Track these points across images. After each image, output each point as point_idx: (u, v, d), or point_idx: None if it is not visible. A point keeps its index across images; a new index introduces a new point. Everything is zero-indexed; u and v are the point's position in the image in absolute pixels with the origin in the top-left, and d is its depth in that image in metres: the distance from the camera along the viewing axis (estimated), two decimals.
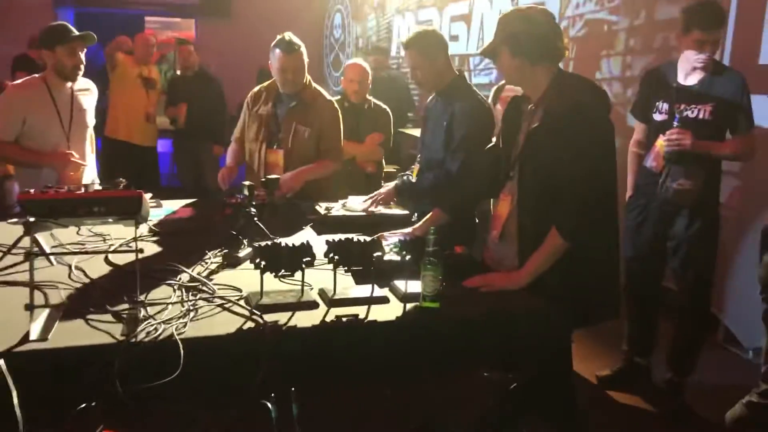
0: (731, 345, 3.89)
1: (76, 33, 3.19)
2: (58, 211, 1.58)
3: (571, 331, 2.05)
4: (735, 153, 3.03)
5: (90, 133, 3.47)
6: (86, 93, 3.41)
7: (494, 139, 2.52)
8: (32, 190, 1.68)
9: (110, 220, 1.72)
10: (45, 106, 3.17)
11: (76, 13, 11.58)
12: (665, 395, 3.30)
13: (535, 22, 2.16)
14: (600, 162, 2.10)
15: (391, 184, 3.16)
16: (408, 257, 2.01)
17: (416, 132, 6.53)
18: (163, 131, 6.62)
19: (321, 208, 3.00)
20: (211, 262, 2.28)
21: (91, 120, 3.44)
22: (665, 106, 3.09)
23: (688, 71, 3.05)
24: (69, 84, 3.26)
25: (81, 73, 3.24)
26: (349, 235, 2.07)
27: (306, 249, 1.96)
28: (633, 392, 3.41)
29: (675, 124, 2.97)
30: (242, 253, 2.34)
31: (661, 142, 3.04)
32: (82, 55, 3.22)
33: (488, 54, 2.29)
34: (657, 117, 3.12)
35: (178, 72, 6.62)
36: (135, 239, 1.78)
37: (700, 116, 2.99)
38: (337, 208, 3.00)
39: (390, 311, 1.92)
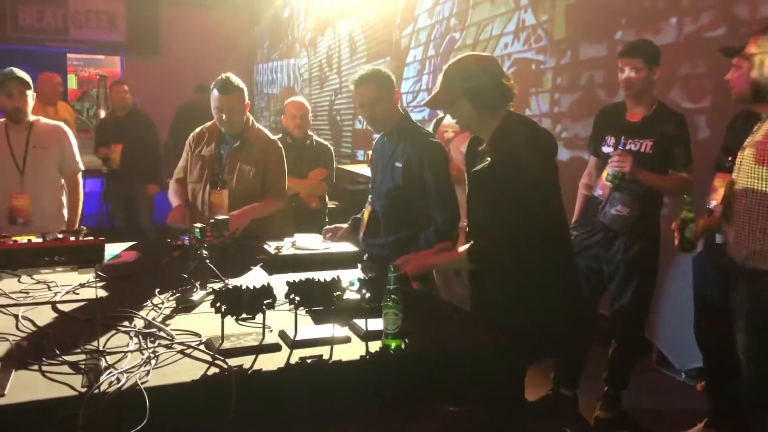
0: (664, 367, 4.06)
1: (9, 77, 3.34)
2: (18, 260, 1.53)
3: (525, 365, 2.11)
4: (669, 187, 3.21)
5: (67, 174, 3.64)
6: (51, 135, 3.54)
7: None
8: None
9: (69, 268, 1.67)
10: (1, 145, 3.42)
11: None
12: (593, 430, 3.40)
13: (490, 72, 2.26)
14: (531, 203, 2.18)
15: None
16: (368, 295, 2.04)
17: (353, 168, 6.61)
18: (91, 171, 6.43)
19: (270, 247, 2.99)
20: (165, 307, 2.24)
21: (61, 161, 3.58)
22: (612, 139, 3.30)
23: (634, 110, 3.28)
24: (25, 124, 3.45)
25: (24, 116, 3.41)
26: (309, 275, 2.08)
27: (266, 291, 1.95)
28: (558, 424, 3.40)
29: (619, 148, 3.18)
30: (196, 297, 2.31)
31: (607, 171, 3.22)
32: (26, 100, 3.37)
33: (442, 106, 2.36)
34: (605, 149, 3.32)
35: (102, 111, 6.47)
36: (95, 287, 1.74)
37: (642, 150, 3.19)
38: (286, 247, 3.00)
39: (353, 350, 1.94)
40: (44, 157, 3.50)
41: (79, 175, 3.73)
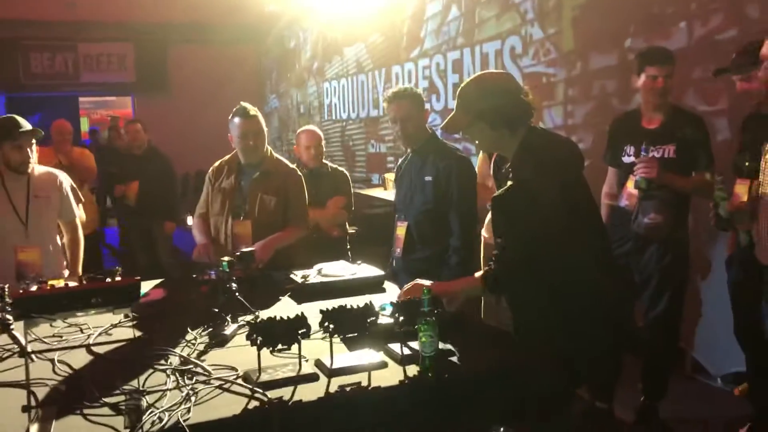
0: (699, 375, 3.99)
1: (24, 129, 3.21)
2: (55, 305, 1.54)
3: (570, 387, 2.08)
4: (696, 188, 3.19)
5: (67, 221, 3.50)
6: (50, 182, 3.41)
7: None
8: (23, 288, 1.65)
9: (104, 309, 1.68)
10: None
11: (6, 97, 11.34)
12: None
13: (506, 89, 2.17)
14: (552, 227, 2.08)
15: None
16: (401, 319, 2.02)
17: (369, 192, 6.62)
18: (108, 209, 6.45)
19: (297, 276, 2.99)
20: (198, 342, 2.23)
21: (61, 208, 3.44)
22: (632, 149, 3.27)
23: (651, 116, 3.26)
24: (25, 175, 3.28)
25: (29, 167, 3.27)
26: (338, 302, 2.07)
27: (301, 321, 1.95)
28: None
29: (642, 154, 3.12)
30: (228, 331, 2.30)
31: (631, 182, 3.19)
32: (32, 150, 3.26)
33: (460, 129, 2.30)
34: (626, 159, 3.30)
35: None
36: (129, 326, 1.74)
37: (665, 155, 3.17)
38: (313, 276, 2.99)
39: (391, 375, 1.92)
40: (46, 206, 3.36)
41: (77, 220, 3.58)
